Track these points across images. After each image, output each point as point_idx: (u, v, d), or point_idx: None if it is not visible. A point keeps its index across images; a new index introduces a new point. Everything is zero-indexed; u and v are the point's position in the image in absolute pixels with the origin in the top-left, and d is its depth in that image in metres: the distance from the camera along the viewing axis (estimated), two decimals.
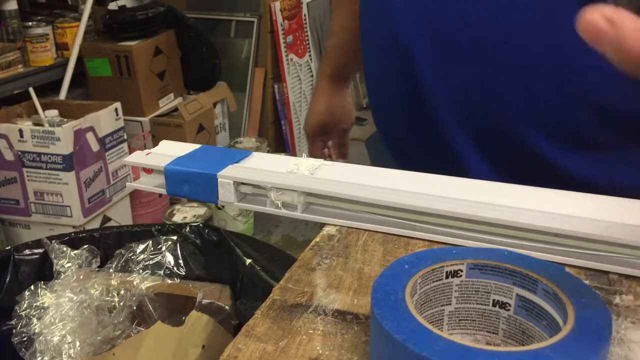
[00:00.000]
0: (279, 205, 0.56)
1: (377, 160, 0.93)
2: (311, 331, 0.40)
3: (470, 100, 0.60)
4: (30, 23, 2.10)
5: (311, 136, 0.97)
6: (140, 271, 0.86)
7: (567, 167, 0.60)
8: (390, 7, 0.64)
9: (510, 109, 0.59)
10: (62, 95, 2.12)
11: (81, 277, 0.83)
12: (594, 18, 0.29)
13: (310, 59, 3.10)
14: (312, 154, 0.95)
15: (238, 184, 0.57)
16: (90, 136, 1.90)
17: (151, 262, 0.87)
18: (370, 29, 0.71)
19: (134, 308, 0.82)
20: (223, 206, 2.20)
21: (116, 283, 0.83)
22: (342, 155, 0.97)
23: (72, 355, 0.77)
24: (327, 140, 0.97)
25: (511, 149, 0.61)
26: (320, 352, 0.38)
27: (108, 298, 0.82)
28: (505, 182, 0.53)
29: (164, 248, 0.89)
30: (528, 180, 0.54)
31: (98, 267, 0.86)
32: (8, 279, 0.87)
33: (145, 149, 0.64)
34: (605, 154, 0.59)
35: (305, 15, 3.04)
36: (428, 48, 0.61)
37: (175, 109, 2.42)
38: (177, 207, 2.25)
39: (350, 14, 0.87)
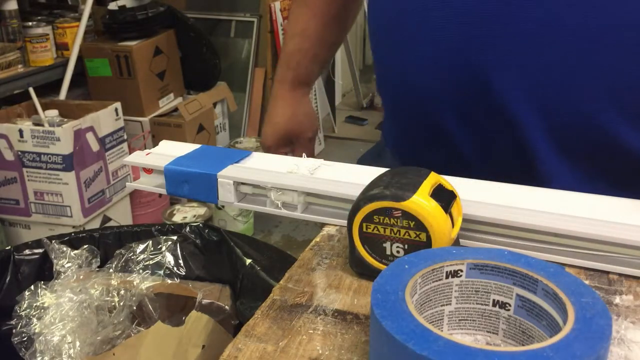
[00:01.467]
0: (279, 205, 0.56)
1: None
2: (311, 331, 0.40)
3: (546, 86, 0.56)
4: (30, 23, 2.10)
5: (273, 149, 0.88)
6: (140, 271, 0.86)
7: None
8: None
9: (586, 91, 0.55)
10: (62, 95, 2.12)
11: (81, 277, 0.83)
12: None
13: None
14: None
15: (238, 184, 0.57)
16: (90, 136, 1.90)
17: (151, 262, 0.87)
18: (414, 22, 0.63)
19: (134, 308, 0.82)
20: (223, 206, 2.20)
21: (116, 283, 0.83)
22: None
23: (72, 355, 0.77)
24: (289, 153, 0.89)
25: (589, 138, 0.57)
26: (320, 352, 0.38)
27: (108, 298, 0.82)
28: (584, 179, 0.52)
29: (164, 248, 0.89)
30: (608, 171, 0.53)
31: (98, 267, 0.86)
32: (8, 279, 0.87)
33: (145, 149, 0.64)
34: None
35: None
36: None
37: (175, 109, 2.42)
38: (177, 207, 2.25)
39: (315, 16, 0.83)
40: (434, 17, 0.59)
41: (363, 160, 0.72)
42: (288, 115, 0.87)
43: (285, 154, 0.85)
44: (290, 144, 0.88)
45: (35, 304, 0.80)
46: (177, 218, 2.17)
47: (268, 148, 0.88)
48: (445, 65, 0.60)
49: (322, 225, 0.55)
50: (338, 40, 0.91)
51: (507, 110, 0.58)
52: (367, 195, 0.44)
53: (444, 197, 0.44)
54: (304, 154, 0.63)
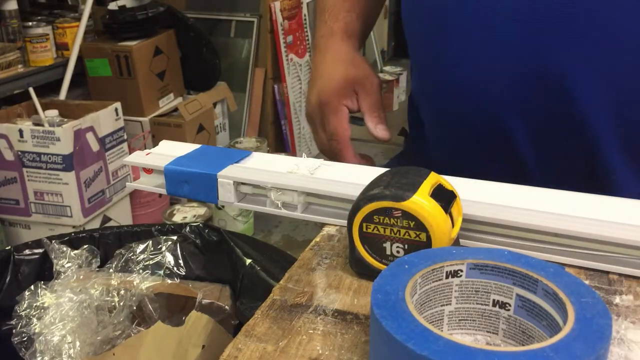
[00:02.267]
0: (279, 205, 0.56)
1: None
2: (311, 331, 0.40)
3: (621, 89, 0.55)
4: (30, 23, 2.10)
5: (334, 103, 0.70)
6: (140, 271, 0.86)
7: None
8: None
9: None
10: (62, 95, 2.12)
11: (81, 277, 0.83)
12: None
13: (311, 59, 3.10)
14: (339, 129, 0.70)
15: (238, 184, 0.57)
16: (90, 136, 1.90)
17: (151, 262, 0.87)
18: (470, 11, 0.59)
19: (134, 308, 0.82)
20: (223, 206, 2.20)
21: (116, 283, 0.83)
22: (381, 119, 0.71)
23: (72, 355, 0.77)
24: (354, 107, 0.72)
25: None
26: (320, 352, 0.38)
27: (108, 298, 0.82)
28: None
29: (164, 248, 0.89)
30: None
31: (98, 267, 0.86)
32: (8, 279, 0.87)
33: (145, 149, 0.64)
34: None
35: (305, 15, 3.04)
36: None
37: (175, 109, 2.42)
38: (177, 207, 2.25)
39: None
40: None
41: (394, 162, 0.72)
42: (346, 62, 0.72)
43: (351, 107, 0.71)
44: (354, 94, 0.72)
45: (35, 304, 0.80)
46: (177, 218, 2.17)
47: (327, 104, 0.71)
48: (518, 69, 0.57)
49: (322, 225, 0.55)
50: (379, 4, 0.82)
51: (582, 116, 0.56)
52: (367, 195, 0.44)
53: (444, 197, 0.44)
54: (304, 154, 0.62)
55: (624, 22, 0.53)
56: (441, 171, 0.49)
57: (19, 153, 1.83)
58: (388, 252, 0.44)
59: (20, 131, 1.80)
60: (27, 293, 0.81)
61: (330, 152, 0.71)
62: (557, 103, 0.56)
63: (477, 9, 0.58)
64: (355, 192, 0.47)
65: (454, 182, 0.48)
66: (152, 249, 0.88)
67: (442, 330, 0.37)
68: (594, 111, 0.56)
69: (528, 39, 0.55)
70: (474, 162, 0.64)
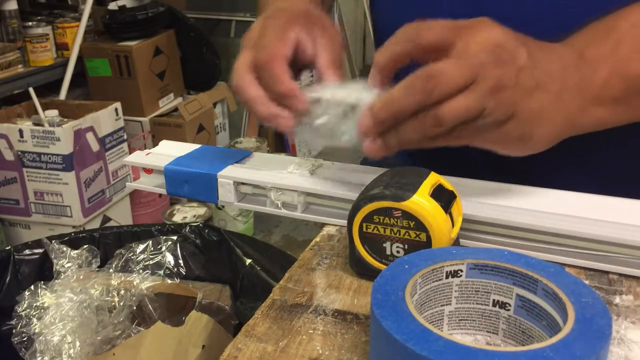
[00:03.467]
0: (279, 205, 0.56)
1: None
2: (311, 331, 0.40)
3: None
4: (30, 23, 2.10)
5: (283, 22, 0.55)
6: (140, 271, 0.86)
7: None
8: None
9: None
10: (62, 95, 2.12)
11: (81, 277, 0.83)
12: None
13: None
14: (275, 41, 0.54)
15: (238, 184, 0.57)
16: (90, 136, 1.90)
17: (151, 262, 0.87)
18: None
19: (134, 308, 0.82)
20: (223, 206, 2.20)
21: (116, 283, 0.83)
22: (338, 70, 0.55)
23: (72, 355, 0.77)
24: (307, 46, 0.55)
25: None
26: (320, 352, 0.38)
27: (108, 298, 0.82)
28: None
29: (164, 248, 0.89)
30: None
31: (98, 267, 0.86)
32: (8, 279, 0.87)
33: (145, 149, 0.64)
34: None
35: None
36: None
37: (175, 109, 2.42)
38: (177, 207, 2.25)
39: None
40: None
41: (366, 161, 0.69)
42: (307, 4, 0.60)
43: (301, 49, 0.55)
44: (310, 34, 0.55)
45: (35, 304, 0.80)
46: (177, 218, 2.17)
47: (272, 24, 0.55)
48: None
49: (322, 225, 0.55)
50: None
51: None
52: (367, 195, 0.44)
53: (444, 197, 0.44)
54: (304, 154, 0.60)
55: None
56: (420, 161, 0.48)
57: (19, 153, 1.83)
58: (388, 252, 0.44)
59: (20, 131, 1.80)
60: (27, 293, 0.81)
61: (258, 65, 0.54)
62: None
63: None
64: (355, 192, 0.47)
65: (453, 182, 0.48)
66: (152, 249, 0.88)
67: (442, 331, 0.37)
68: None
69: None
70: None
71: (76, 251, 0.86)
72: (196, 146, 0.64)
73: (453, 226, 0.44)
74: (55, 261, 0.85)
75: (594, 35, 0.49)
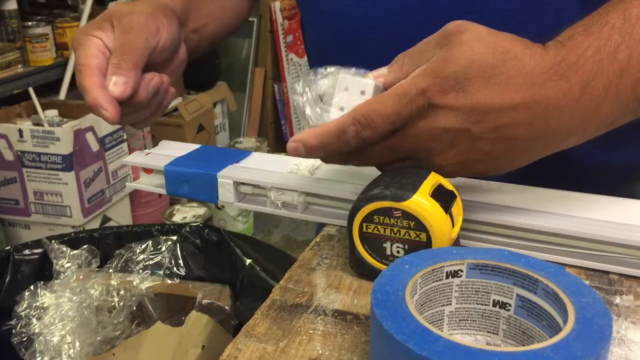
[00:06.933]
0: (279, 205, 0.56)
1: None
2: (311, 331, 0.40)
3: None
4: (30, 23, 2.10)
5: (83, 34, 0.56)
6: (140, 271, 0.86)
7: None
8: None
9: None
10: (62, 95, 2.12)
11: (81, 277, 0.83)
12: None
13: None
14: (84, 55, 0.55)
15: (238, 184, 0.57)
16: (90, 136, 1.90)
17: (151, 262, 0.87)
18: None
19: (134, 308, 0.82)
20: (223, 206, 2.20)
21: (116, 283, 0.83)
22: (123, 69, 0.54)
23: (72, 355, 0.77)
24: (108, 40, 0.56)
25: None
26: (320, 352, 0.38)
27: (108, 298, 0.82)
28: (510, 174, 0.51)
29: (163, 248, 0.89)
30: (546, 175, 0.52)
31: (98, 267, 0.86)
32: (8, 279, 0.87)
33: (145, 149, 0.64)
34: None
35: None
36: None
37: (175, 109, 2.42)
38: (177, 207, 2.25)
39: None
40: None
41: None
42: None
43: (106, 44, 0.56)
44: (111, 28, 0.57)
45: (34, 304, 0.80)
46: (177, 218, 2.17)
47: (76, 39, 0.57)
48: None
49: (322, 225, 0.55)
50: None
51: None
52: (367, 195, 0.44)
53: (444, 197, 0.44)
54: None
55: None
56: None
57: (19, 153, 1.83)
58: (388, 252, 0.44)
59: (20, 131, 1.80)
60: (26, 293, 0.81)
61: (80, 88, 0.55)
62: None
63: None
64: (355, 192, 0.47)
65: (454, 182, 0.48)
66: (151, 249, 0.88)
67: (442, 331, 0.37)
68: None
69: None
70: None
71: (76, 251, 0.86)
72: (196, 146, 0.64)
73: (453, 226, 0.44)
74: (55, 261, 0.85)
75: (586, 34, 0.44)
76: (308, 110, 0.47)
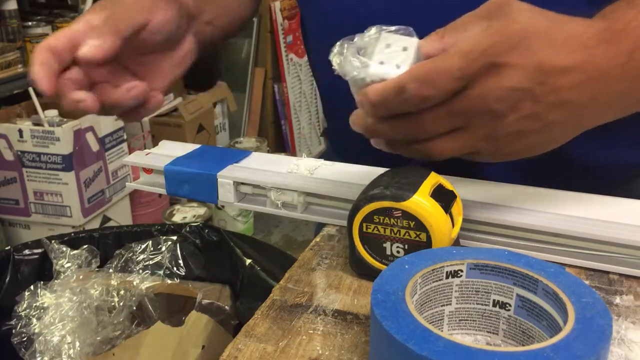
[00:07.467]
0: (279, 205, 0.56)
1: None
2: (311, 331, 0.40)
3: None
4: (30, 23, 2.10)
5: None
6: (140, 271, 0.86)
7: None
8: None
9: None
10: None
11: (81, 277, 0.83)
12: None
13: None
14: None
15: (238, 184, 0.57)
16: (90, 136, 1.89)
17: (151, 262, 0.87)
18: None
19: (134, 308, 0.82)
20: (223, 206, 2.20)
21: (116, 283, 0.83)
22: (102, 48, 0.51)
23: (72, 355, 0.77)
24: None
25: None
26: (320, 352, 0.38)
27: (108, 298, 0.82)
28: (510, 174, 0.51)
29: (163, 248, 0.89)
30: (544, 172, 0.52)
31: (98, 267, 0.86)
32: (8, 279, 0.87)
33: (145, 149, 0.64)
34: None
35: None
36: None
37: (175, 109, 2.42)
38: (177, 207, 2.25)
39: None
40: None
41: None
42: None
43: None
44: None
45: (34, 304, 0.80)
46: (177, 218, 2.17)
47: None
48: None
49: (322, 225, 0.55)
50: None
51: None
52: (367, 195, 0.44)
53: (444, 197, 0.44)
54: (304, 154, 0.60)
55: None
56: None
57: (19, 153, 1.82)
58: (388, 252, 0.44)
59: (20, 131, 1.80)
60: (26, 293, 0.81)
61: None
62: None
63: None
64: (355, 192, 0.47)
65: (454, 182, 0.48)
66: (151, 249, 0.88)
67: (442, 331, 0.37)
68: None
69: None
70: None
71: (76, 251, 0.85)
72: (196, 146, 0.64)
73: (453, 226, 0.44)
74: (54, 261, 0.85)
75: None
76: (348, 66, 0.43)
